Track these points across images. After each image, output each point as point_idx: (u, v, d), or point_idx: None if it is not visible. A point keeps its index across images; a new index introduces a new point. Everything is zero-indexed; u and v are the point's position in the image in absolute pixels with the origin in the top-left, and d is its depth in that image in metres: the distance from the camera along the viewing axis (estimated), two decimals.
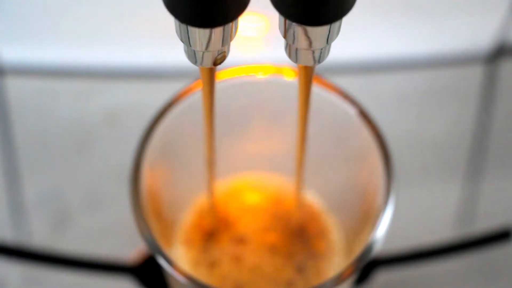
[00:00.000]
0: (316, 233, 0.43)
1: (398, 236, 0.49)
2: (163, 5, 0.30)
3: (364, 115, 0.40)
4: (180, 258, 0.43)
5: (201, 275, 0.42)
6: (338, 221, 0.44)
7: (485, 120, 0.57)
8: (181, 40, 0.32)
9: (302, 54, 0.32)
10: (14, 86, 0.57)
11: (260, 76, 0.42)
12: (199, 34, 0.31)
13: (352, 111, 0.41)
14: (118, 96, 0.57)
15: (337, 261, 0.43)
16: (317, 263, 0.42)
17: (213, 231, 0.43)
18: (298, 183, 0.42)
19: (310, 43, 0.31)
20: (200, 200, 0.44)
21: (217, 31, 0.31)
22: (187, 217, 0.44)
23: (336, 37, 0.32)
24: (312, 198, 0.44)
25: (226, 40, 0.32)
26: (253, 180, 0.45)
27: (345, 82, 0.45)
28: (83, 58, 0.58)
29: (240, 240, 0.43)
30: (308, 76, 0.35)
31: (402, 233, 0.52)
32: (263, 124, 0.45)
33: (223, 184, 0.45)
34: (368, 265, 0.47)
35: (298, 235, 0.43)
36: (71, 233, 0.53)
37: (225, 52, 0.33)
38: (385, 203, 0.38)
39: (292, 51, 0.33)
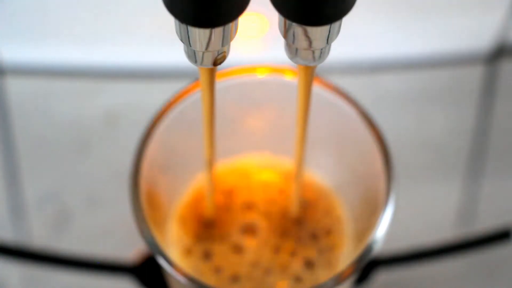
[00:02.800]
0: (325, 223, 0.43)
1: (398, 236, 0.49)
2: (163, 5, 0.30)
3: (364, 115, 0.40)
4: (174, 244, 0.43)
5: (194, 265, 0.42)
6: (347, 214, 0.44)
7: (485, 120, 0.57)
8: (181, 40, 0.32)
9: (302, 54, 0.32)
10: (14, 86, 0.57)
11: (260, 76, 0.42)
12: (199, 34, 0.31)
13: (352, 111, 0.41)
14: (118, 96, 0.57)
15: (347, 251, 0.42)
16: (326, 255, 0.42)
17: (211, 219, 0.43)
18: (298, 183, 0.42)
19: (310, 43, 0.31)
20: (198, 186, 0.44)
21: (217, 31, 0.31)
22: (184, 203, 0.44)
23: (336, 37, 0.32)
24: (319, 185, 0.44)
25: (226, 40, 0.32)
26: (257, 168, 0.45)
27: (345, 82, 0.45)
28: (83, 58, 0.58)
29: (240, 229, 0.43)
30: (308, 76, 0.35)
31: (402, 233, 0.52)
32: (263, 124, 0.45)
33: (223, 169, 0.45)
34: (368, 265, 0.47)
35: (305, 224, 0.43)
36: (71, 233, 0.53)
37: (225, 52, 0.33)
38: (385, 203, 0.38)
39: (292, 51, 0.33)
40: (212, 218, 0.43)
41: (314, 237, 0.43)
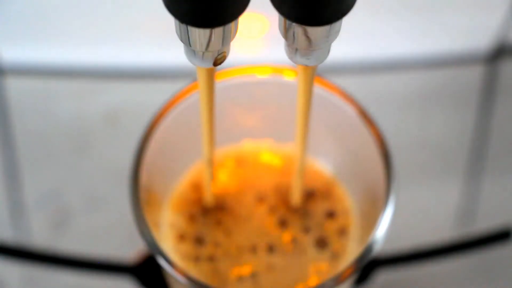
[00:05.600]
0: (327, 211, 0.43)
1: (398, 236, 0.49)
2: (163, 5, 0.30)
3: (364, 115, 0.40)
4: (168, 231, 0.42)
5: (187, 251, 0.42)
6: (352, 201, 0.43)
7: (485, 120, 0.57)
8: (181, 40, 0.32)
9: (302, 54, 0.32)
10: (14, 86, 0.57)
11: (260, 76, 0.42)
12: (199, 34, 0.31)
13: (352, 111, 0.41)
14: (118, 96, 0.57)
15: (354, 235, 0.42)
16: (328, 245, 0.42)
17: (208, 207, 0.43)
18: (299, 182, 0.42)
19: (310, 43, 0.31)
20: (196, 174, 0.44)
21: (217, 31, 0.31)
22: (180, 191, 0.44)
23: (336, 37, 0.32)
24: (321, 168, 0.44)
25: (226, 40, 0.32)
26: (255, 154, 0.45)
27: (345, 82, 0.45)
28: (83, 58, 0.58)
29: (238, 216, 0.43)
30: (308, 76, 0.35)
31: (402, 233, 0.52)
32: (262, 124, 0.45)
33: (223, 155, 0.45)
34: (368, 265, 0.47)
35: (307, 212, 0.43)
36: (71, 233, 0.53)
37: (225, 52, 0.33)
38: (385, 203, 0.38)
39: (292, 51, 0.33)
40: (210, 206, 0.43)
41: (316, 225, 0.43)
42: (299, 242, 0.42)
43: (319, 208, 0.43)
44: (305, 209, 0.43)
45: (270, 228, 0.42)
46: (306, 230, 0.42)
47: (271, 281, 0.41)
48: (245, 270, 0.41)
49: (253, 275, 0.41)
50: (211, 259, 0.42)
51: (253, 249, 0.42)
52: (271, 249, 0.42)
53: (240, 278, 0.41)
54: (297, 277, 0.41)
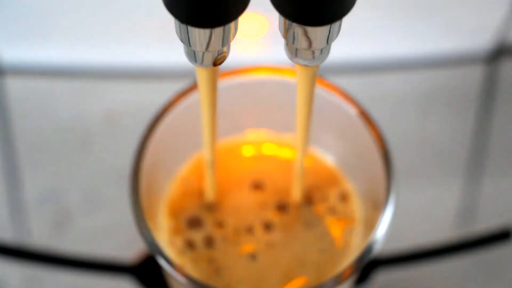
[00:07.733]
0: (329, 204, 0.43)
1: (398, 236, 0.49)
2: (163, 5, 0.30)
3: (364, 115, 0.40)
4: (164, 224, 0.42)
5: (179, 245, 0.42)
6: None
7: (485, 120, 0.57)
8: (181, 40, 0.32)
9: (302, 54, 0.32)
10: (14, 86, 0.57)
11: (260, 76, 0.42)
12: (199, 34, 0.31)
13: (352, 111, 0.41)
14: (118, 96, 0.57)
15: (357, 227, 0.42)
16: (329, 233, 0.42)
17: (209, 199, 0.43)
18: (300, 181, 0.42)
19: (310, 43, 0.31)
20: (194, 165, 0.44)
21: (217, 31, 0.31)
22: (177, 188, 0.44)
23: (336, 37, 0.32)
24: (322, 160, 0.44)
25: (226, 40, 0.32)
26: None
27: (345, 82, 0.45)
28: (83, 58, 0.58)
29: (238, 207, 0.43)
30: (309, 76, 0.35)
31: (402, 233, 0.52)
32: (262, 125, 0.45)
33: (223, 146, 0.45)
34: (368, 265, 0.47)
35: (308, 205, 0.43)
36: (71, 233, 0.53)
37: (225, 52, 0.33)
38: (385, 203, 0.38)
39: (292, 51, 0.33)
40: (209, 199, 0.43)
41: (317, 216, 0.43)
42: (302, 222, 0.42)
43: (319, 195, 0.43)
44: (307, 199, 0.43)
45: (270, 213, 0.42)
46: (306, 225, 0.42)
47: (271, 261, 0.41)
48: (244, 252, 0.41)
49: (252, 256, 0.41)
50: (208, 245, 0.41)
51: (250, 230, 0.42)
52: (268, 227, 0.42)
53: (238, 261, 0.41)
54: (298, 256, 0.41)
